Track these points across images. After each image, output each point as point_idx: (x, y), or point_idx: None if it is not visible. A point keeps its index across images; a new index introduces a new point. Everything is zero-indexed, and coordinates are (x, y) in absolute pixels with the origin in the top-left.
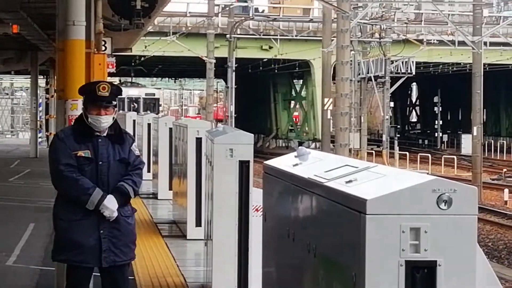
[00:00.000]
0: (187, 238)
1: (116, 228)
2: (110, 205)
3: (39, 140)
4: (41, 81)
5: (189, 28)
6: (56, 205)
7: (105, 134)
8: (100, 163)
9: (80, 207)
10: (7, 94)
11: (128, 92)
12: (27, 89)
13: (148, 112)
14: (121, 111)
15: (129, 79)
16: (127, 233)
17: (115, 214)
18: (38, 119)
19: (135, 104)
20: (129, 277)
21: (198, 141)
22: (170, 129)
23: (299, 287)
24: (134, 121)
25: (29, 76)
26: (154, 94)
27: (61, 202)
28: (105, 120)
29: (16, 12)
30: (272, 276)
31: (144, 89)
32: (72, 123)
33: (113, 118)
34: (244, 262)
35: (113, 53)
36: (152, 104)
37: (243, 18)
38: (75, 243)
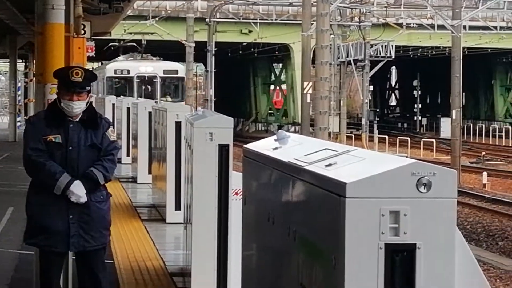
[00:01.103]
0: (167, 222)
1: (86, 213)
2: (77, 190)
3: (18, 124)
4: (20, 65)
5: (169, 12)
6: (29, 189)
7: (78, 119)
8: (70, 148)
9: (49, 192)
10: None
11: (138, 68)
12: (5, 73)
13: (168, 98)
14: (121, 97)
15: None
16: (97, 218)
17: (83, 199)
18: (17, 103)
19: (149, 87)
20: (108, 261)
21: (178, 125)
22: (150, 113)
23: (279, 271)
24: (113, 105)
25: (8, 60)
26: (177, 72)
27: (33, 186)
28: (77, 106)
29: None
30: (252, 260)
31: (163, 64)
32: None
33: (87, 103)
34: (224, 245)
35: (92, 37)
36: (173, 86)
37: (222, 1)
38: (43, 227)
